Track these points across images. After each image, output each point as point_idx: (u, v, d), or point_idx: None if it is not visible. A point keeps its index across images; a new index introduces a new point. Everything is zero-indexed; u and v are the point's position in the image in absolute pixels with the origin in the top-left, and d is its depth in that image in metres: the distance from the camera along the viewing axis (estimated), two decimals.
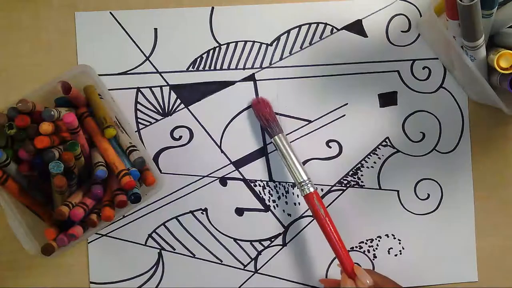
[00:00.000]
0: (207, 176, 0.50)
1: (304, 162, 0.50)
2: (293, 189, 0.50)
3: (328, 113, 0.51)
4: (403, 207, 0.51)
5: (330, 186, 0.51)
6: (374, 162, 0.51)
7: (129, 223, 0.49)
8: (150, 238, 0.49)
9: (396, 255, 0.51)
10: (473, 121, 0.52)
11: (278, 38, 0.51)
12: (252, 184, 0.50)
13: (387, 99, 0.51)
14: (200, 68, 0.50)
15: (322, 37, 0.51)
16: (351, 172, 0.51)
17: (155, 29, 0.50)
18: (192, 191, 0.50)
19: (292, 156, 0.47)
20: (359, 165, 0.51)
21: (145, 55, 0.49)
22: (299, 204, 0.51)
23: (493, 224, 0.52)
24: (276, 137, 0.47)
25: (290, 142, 0.50)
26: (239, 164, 0.50)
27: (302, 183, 0.46)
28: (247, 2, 0.50)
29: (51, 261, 0.48)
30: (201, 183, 0.50)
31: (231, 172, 0.50)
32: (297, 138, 0.50)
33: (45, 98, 0.44)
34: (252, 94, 0.50)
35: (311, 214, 0.49)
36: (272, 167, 0.50)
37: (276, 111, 0.50)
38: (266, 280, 0.50)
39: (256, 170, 0.50)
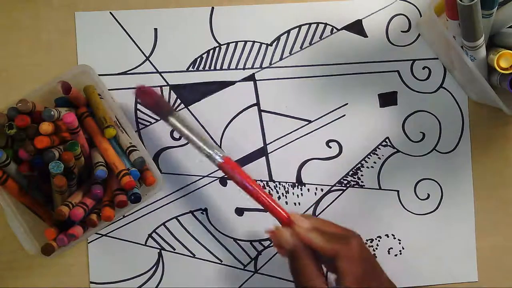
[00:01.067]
0: (207, 176, 0.50)
1: (304, 162, 0.50)
2: (293, 189, 0.50)
3: (328, 113, 0.51)
4: (403, 207, 0.51)
5: (330, 186, 0.51)
6: (374, 162, 0.51)
7: (129, 223, 0.49)
8: (150, 238, 0.49)
9: (396, 255, 0.51)
10: (473, 121, 0.52)
11: (278, 38, 0.51)
12: None
13: (387, 99, 0.51)
14: (200, 68, 0.50)
15: (322, 37, 0.51)
16: (351, 172, 0.51)
17: (155, 29, 0.50)
18: (192, 191, 0.50)
19: (190, 133, 0.42)
20: (359, 165, 0.51)
21: (145, 55, 0.49)
22: (299, 204, 0.51)
23: (493, 224, 0.52)
24: (169, 119, 0.42)
25: (290, 142, 0.50)
26: (239, 164, 0.50)
27: (210, 155, 0.41)
28: (247, 2, 0.50)
29: (51, 261, 0.48)
30: (201, 183, 0.50)
31: None
32: (297, 138, 0.50)
33: (45, 98, 0.44)
34: (252, 94, 0.50)
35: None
36: (272, 167, 0.50)
37: (276, 111, 0.50)
38: (266, 280, 0.50)
39: (256, 170, 0.50)
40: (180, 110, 0.50)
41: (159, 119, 0.49)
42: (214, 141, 0.50)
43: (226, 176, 0.50)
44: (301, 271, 0.38)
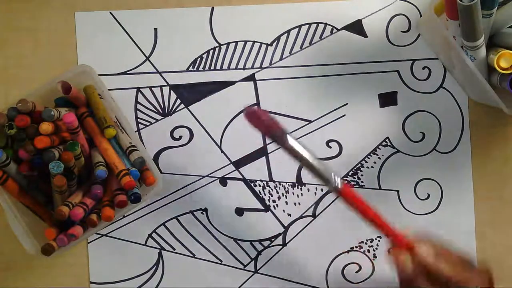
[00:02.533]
0: (207, 176, 0.50)
1: None
2: (293, 189, 0.50)
3: (328, 113, 0.51)
4: (403, 207, 0.51)
5: None
6: (374, 162, 0.51)
7: (129, 223, 0.49)
8: (150, 238, 0.49)
9: None
10: (473, 121, 0.52)
11: (278, 38, 0.51)
12: (252, 184, 0.50)
13: (387, 99, 0.51)
14: (200, 68, 0.50)
15: (322, 37, 0.51)
16: (351, 172, 0.51)
17: (155, 29, 0.50)
18: (192, 191, 0.50)
19: (308, 155, 0.39)
20: (359, 165, 0.51)
21: (145, 55, 0.49)
22: (299, 204, 0.51)
23: (493, 224, 0.52)
24: (288, 141, 0.39)
25: None
26: (239, 164, 0.50)
27: (329, 181, 0.39)
28: (247, 2, 0.50)
29: (51, 261, 0.48)
30: (201, 183, 0.50)
31: (231, 172, 0.50)
32: (297, 138, 0.50)
33: (45, 98, 0.44)
34: (252, 94, 0.50)
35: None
36: (272, 167, 0.50)
37: (276, 111, 0.50)
38: (266, 280, 0.50)
39: (256, 170, 0.50)
40: (180, 110, 0.50)
41: (159, 118, 0.49)
42: (214, 141, 0.50)
43: (226, 176, 0.50)
44: None
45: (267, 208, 0.50)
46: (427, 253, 0.37)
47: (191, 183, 0.50)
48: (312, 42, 0.51)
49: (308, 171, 0.39)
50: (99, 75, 0.48)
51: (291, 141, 0.39)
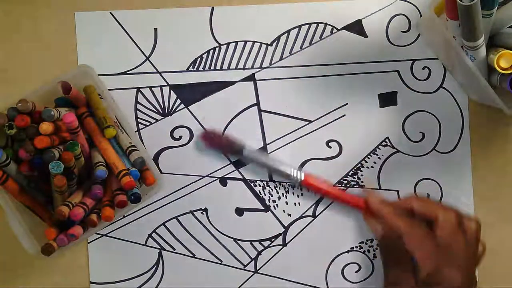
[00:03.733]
0: (207, 176, 0.50)
1: (304, 162, 0.50)
2: (293, 189, 0.50)
3: (328, 113, 0.51)
4: None
5: None
6: (374, 162, 0.51)
7: (129, 223, 0.49)
8: (150, 238, 0.49)
9: None
10: (473, 121, 0.52)
11: (278, 38, 0.51)
12: (252, 184, 0.50)
13: (387, 99, 0.51)
14: (200, 68, 0.50)
15: (322, 37, 0.51)
16: (351, 172, 0.51)
17: (155, 29, 0.50)
18: (192, 191, 0.50)
19: (268, 159, 0.48)
20: (359, 165, 0.51)
21: (145, 55, 0.50)
22: (299, 204, 0.51)
23: (493, 224, 0.52)
24: (244, 154, 0.48)
25: (290, 142, 0.50)
26: (239, 164, 0.50)
27: (293, 175, 0.48)
28: (247, 2, 0.50)
29: (51, 261, 0.48)
30: (201, 183, 0.50)
31: (231, 172, 0.50)
32: (297, 138, 0.50)
33: (45, 98, 0.44)
34: (252, 94, 0.50)
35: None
36: None
37: (276, 111, 0.50)
38: (266, 280, 0.50)
39: (256, 170, 0.50)
40: (180, 110, 0.50)
41: (159, 118, 0.49)
42: None
43: (226, 176, 0.50)
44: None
45: (267, 208, 0.50)
46: (376, 199, 0.45)
47: (191, 183, 0.50)
48: (312, 42, 0.51)
49: (272, 173, 0.48)
50: (99, 75, 0.48)
51: (250, 152, 0.47)
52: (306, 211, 0.51)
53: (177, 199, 0.50)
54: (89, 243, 0.49)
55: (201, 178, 0.50)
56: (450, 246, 0.40)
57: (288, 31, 0.51)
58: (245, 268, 0.50)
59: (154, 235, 0.49)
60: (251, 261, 0.50)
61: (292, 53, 0.51)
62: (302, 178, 0.47)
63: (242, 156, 0.47)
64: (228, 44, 0.50)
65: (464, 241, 0.40)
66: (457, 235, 0.40)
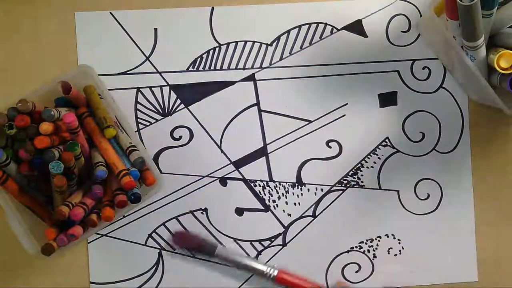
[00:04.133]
0: (207, 176, 0.50)
1: (304, 162, 0.50)
2: (293, 189, 0.50)
3: (328, 113, 0.51)
4: (403, 207, 0.51)
5: (330, 186, 0.51)
6: (374, 162, 0.51)
7: (129, 223, 0.49)
8: (150, 238, 0.49)
9: (396, 255, 0.51)
10: (473, 121, 0.52)
11: (278, 38, 0.51)
12: (252, 184, 0.50)
13: (387, 99, 0.51)
14: (200, 68, 0.50)
15: (322, 37, 0.51)
16: (351, 172, 0.51)
17: (155, 29, 0.50)
18: (192, 191, 0.50)
19: (243, 258, 0.48)
20: (359, 165, 0.51)
21: (145, 55, 0.50)
22: (299, 204, 0.51)
23: (493, 224, 0.52)
24: (216, 251, 0.47)
25: (290, 142, 0.50)
26: (239, 164, 0.50)
27: (266, 271, 0.47)
28: (247, 2, 0.50)
29: (51, 261, 0.48)
30: (201, 183, 0.50)
31: (231, 172, 0.50)
32: (297, 138, 0.50)
33: (45, 98, 0.44)
34: (252, 94, 0.50)
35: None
36: (272, 167, 0.50)
37: (276, 111, 0.50)
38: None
39: (256, 170, 0.50)
40: (180, 110, 0.50)
41: (159, 118, 0.49)
42: (214, 141, 0.50)
43: (226, 176, 0.50)
44: None
45: (267, 208, 0.50)
46: None
47: (191, 183, 0.50)
48: (312, 42, 0.51)
49: (244, 271, 0.48)
50: (99, 75, 0.48)
51: (222, 251, 0.47)
52: (306, 211, 0.51)
53: (177, 199, 0.50)
54: (89, 243, 0.49)
55: (201, 178, 0.50)
56: None
57: (288, 31, 0.51)
58: None
59: (154, 235, 0.49)
60: None
61: (292, 53, 0.51)
62: (275, 274, 0.47)
63: (214, 256, 0.47)
64: (228, 44, 0.50)
65: None
66: None
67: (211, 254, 0.47)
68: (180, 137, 0.50)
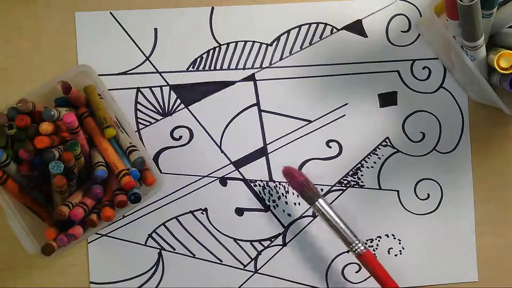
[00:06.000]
0: (207, 176, 0.50)
1: (304, 162, 0.50)
2: (293, 189, 0.50)
3: (328, 113, 0.51)
4: (403, 207, 0.51)
5: (330, 186, 0.51)
6: (374, 162, 0.51)
7: (129, 223, 0.49)
8: (150, 238, 0.49)
9: (396, 255, 0.51)
10: (473, 121, 0.52)
11: (278, 38, 0.51)
12: (252, 184, 0.50)
13: (387, 99, 0.51)
14: (200, 68, 0.50)
15: (322, 37, 0.51)
16: (351, 172, 0.51)
17: (155, 29, 0.50)
18: (192, 191, 0.50)
19: (337, 219, 0.46)
20: (359, 165, 0.51)
21: (145, 55, 0.50)
22: (299, 204, 0.51)
23: (493, 224, 0.52)
24: (316, 203, 0.46)
25: (290, 142, 0.50)
26: (239, 164, 0.50)
27: (354, 245, 0.46)
28: (247, 2, 0.50)
29: (51, 261, 0.48)
30: (201, 183, 0.50)
31: (231, 172, 0.50)
32: (297, 138, 0.50)
33: (45, 98, 0.44)
34: (252, 94, 0.50)
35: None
36: (272, 167, 0.50)
37: (276, 111, 0.50)
38: (266, 280, 0.50)
39: (256, 170, 0.50)
40: (180, 110, 0.50)
41: (159, 118, 0.49)
42: (214, 141, 0.50)
43: (226, 176, 0.50)
44: None
45: (267, 208, 0.50)
46: None
47: (191, 183, 0.50)
48: (312, 42, 0.51)
49: (334, 232, 0.46)
50: (99, 75, 0.48)
51: (321, 203, 0.46)
52: (306, 211, 0.51)
53: (177, 199, 0.50)
54: (89, 243, 0.49)
55: (201, 178, 0.50)
56: None
57: (288, 31, 0.51)
58: (245, 268, 0.50)
59: (154, 235, 0.49)
60: (251, 261, 0.50)
61: (292, 53, 0.51)
62: (363, 251, 0.45)
63: (313, 204, 0.46)
64: (228, 44, 0.50)
65: None
66: None
67: (311, 203, 0.46)
68: (180, 137, 0.50)
